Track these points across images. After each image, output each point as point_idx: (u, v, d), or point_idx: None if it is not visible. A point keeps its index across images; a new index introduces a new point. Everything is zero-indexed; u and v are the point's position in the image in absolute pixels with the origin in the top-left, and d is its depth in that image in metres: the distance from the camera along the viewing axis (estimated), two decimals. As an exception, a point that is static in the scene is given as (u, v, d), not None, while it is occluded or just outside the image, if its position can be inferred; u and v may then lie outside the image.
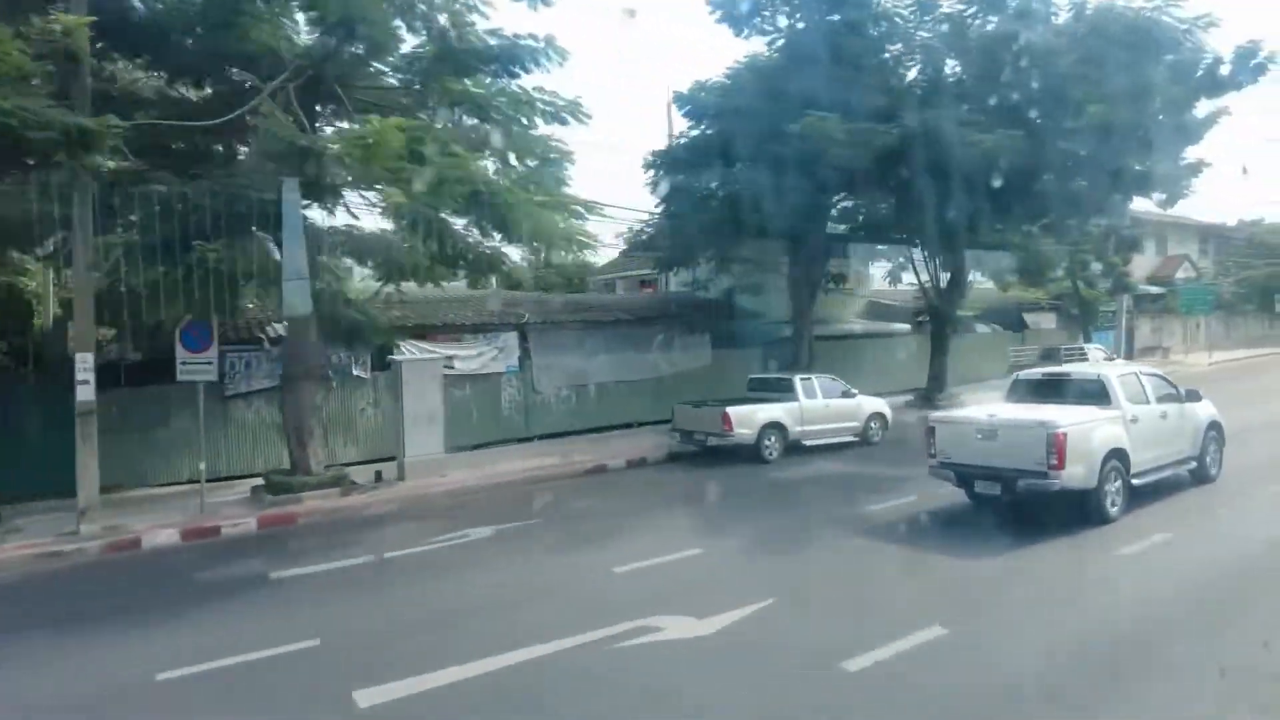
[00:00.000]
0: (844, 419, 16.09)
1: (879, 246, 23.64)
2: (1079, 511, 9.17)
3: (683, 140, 19.93)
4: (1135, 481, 9.63)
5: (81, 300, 10.78)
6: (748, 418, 14.77)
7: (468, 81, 10.17)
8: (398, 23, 10.75)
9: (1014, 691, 5.35)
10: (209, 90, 10.29)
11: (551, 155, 13.00)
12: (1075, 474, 8.89)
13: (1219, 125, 18.81)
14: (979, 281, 26.56)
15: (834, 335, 23.39)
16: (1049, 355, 24.53)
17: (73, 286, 11.74)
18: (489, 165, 10.50)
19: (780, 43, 17.86)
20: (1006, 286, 29.14)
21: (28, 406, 12.65)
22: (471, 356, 17.37)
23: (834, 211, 21.10)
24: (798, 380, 15.91)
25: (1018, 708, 5.20)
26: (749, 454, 14.69)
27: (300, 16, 10.98)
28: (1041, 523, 9.21)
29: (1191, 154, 19.59)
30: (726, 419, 14.51)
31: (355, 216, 13.34)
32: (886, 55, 17.72)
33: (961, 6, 17.74)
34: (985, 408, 10.79)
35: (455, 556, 9.49)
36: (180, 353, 11.79)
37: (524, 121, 11.63)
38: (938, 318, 22.46)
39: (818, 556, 8.81)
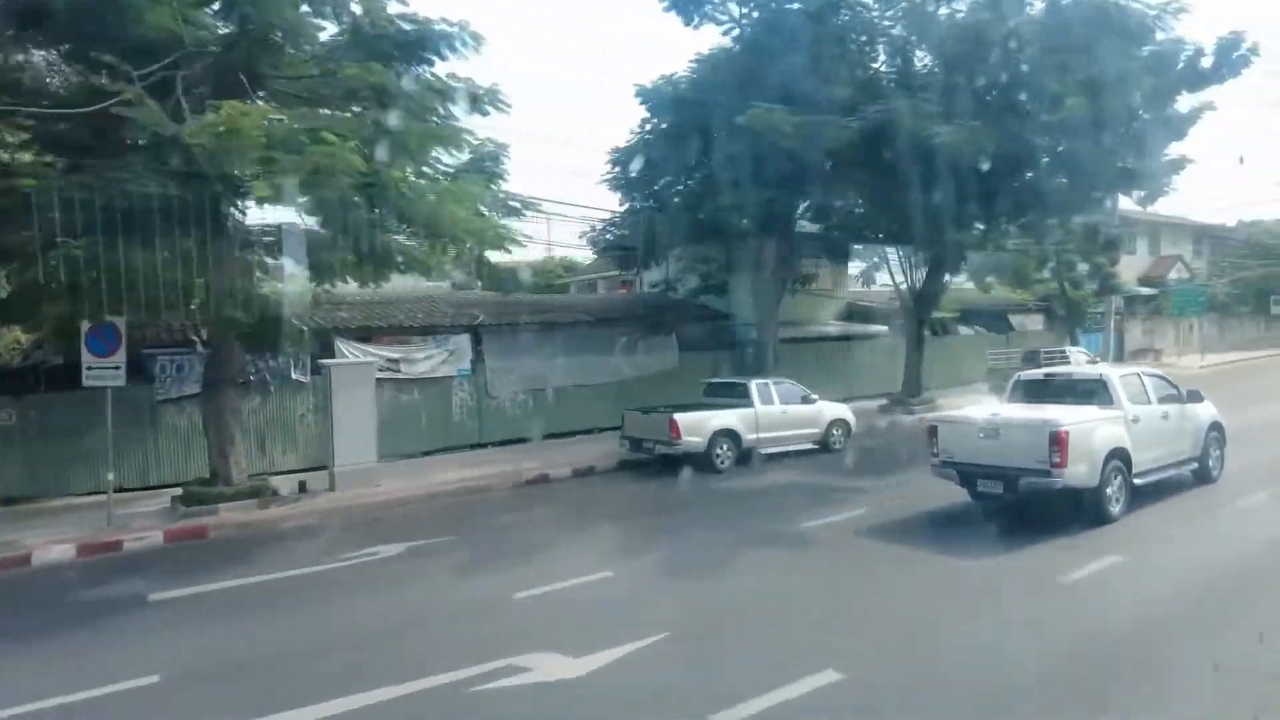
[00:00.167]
0: (803, 425, 15.40)
1: (854, 246, 22.91)
2: (1078, 511, 9.07)
3: (644, 136, 19.18)
4: (1137, 481, 9.60)
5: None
6: (697, 425, 14.08)
7: (377, 66, 9.52)
8: (305, 9, 10.15)
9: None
10: (105, 79, 9.63)
11: (487, 148, 12.42)
12: (1077, 473, 8.87)
13: (1204, 120, 18.27)
14: (959, 283, 25.87)
15: (806, 338, 22.69)
16: (1030, 358, 23.73)
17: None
18: (383, 154, 9.82)
19: (736, 33, 17.13)
20: (987, 288, 28.44)
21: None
22: (419, 359, 16.75)
23: (807, 210, 20.37)
24: (754, 385, 15.17)
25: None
26: (700, 463, 13.98)
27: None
28: (1012, 533, 9.04)
29: (1175, 150, 18.97)
30: (674, 426, 13.81)
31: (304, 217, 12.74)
32: (851, 46, 16.97)
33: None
34: (985, 407, 10.70)
35: (352, 578, 8.87)
36: (86, 357, 11.18)
37: (441, 111, 10.99)
38: (913, 319, 21.77)
39: (732, 581, 8.15)
